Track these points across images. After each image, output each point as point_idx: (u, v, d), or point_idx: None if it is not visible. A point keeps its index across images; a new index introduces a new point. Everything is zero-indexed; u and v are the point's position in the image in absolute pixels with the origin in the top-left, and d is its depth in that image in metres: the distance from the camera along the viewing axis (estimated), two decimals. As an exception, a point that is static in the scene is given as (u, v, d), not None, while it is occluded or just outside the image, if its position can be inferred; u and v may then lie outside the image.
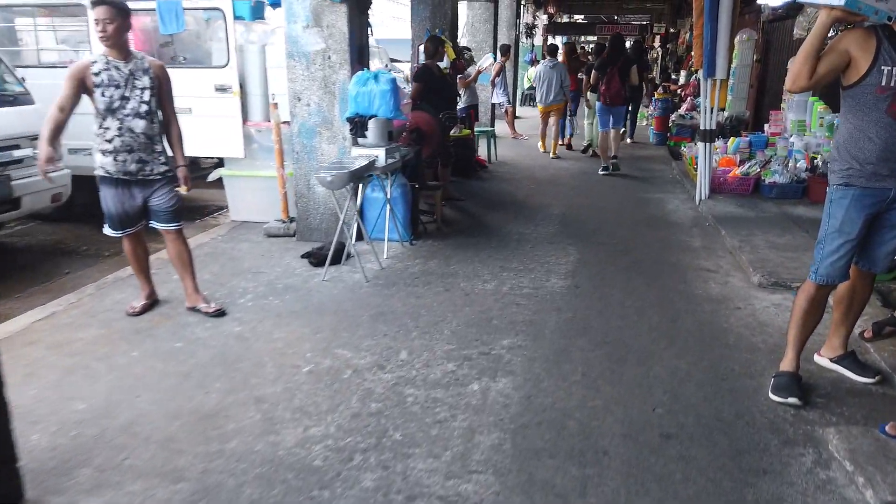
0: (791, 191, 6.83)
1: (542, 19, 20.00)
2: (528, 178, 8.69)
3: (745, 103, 11.25)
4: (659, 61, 21.93)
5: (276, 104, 5.68)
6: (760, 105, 11.36)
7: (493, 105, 12.67)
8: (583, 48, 23.28)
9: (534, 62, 16.54)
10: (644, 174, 8.96)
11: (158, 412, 2.96)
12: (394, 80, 5.05)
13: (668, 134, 11.49)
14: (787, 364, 3.15)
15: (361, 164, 4.69)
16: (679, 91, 15.97)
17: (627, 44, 11.43)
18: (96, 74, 3.65)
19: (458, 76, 9.78)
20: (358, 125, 5.04)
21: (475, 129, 9.83)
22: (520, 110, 17.26)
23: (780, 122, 8.56)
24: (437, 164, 7.12)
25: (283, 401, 3.06)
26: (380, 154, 5.01)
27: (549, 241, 5.70)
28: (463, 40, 12.96)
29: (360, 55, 5.49)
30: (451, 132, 8.62)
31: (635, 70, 9.49)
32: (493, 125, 12.65)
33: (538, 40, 20.04)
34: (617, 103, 9.05)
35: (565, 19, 30.45)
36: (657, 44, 22.93)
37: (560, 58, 10.93)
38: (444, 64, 8.66)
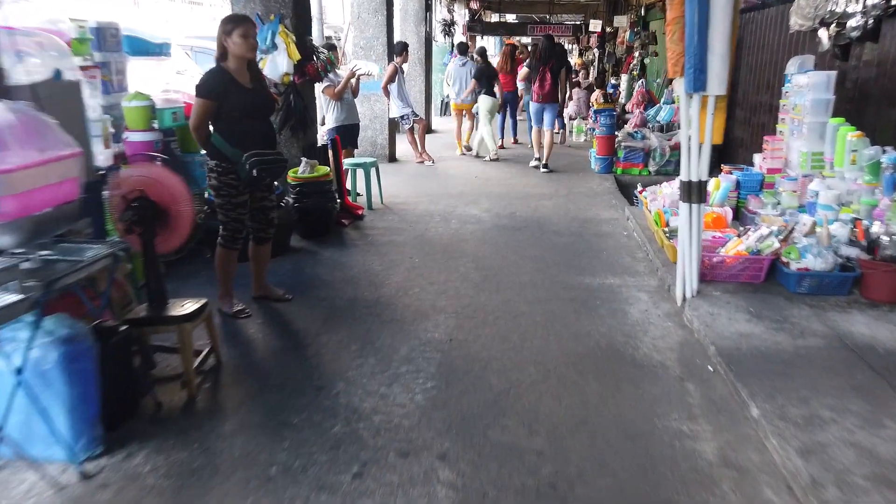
0: (832, 283, 3.97)
1: (462, 15, 16.99)
2: (415, 241, 5.62)
3: (711, 118, 8.51)
4: (596, 64, 19.31)
5: None
6: (729, 119, 8.65)
7: (393, 121, 9.60)
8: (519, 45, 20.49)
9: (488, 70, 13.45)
10: (586, 230, 6.01)
11: None
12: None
13: (615, 158, 8.65)
14: None
15: None
16: (617, 96, 13.18)
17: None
18: None
19: (325, 86, 6.71)
20: None
21: (347, 163, 6.73)
22: (439, 122, 14.23)
23: (779, 153, 5.77)
24: (244, 242, 4.00)
25: None
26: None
27: (401, 447, 2.63)
28: (349, 37, 9.82)
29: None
30: (301, 172, 5.53)
31: (564, 72, 8.96)
32: (391, 149, 9.60)
33: (459, 39, 17.03)
34: (549, 101, 8.80)
35: (495, 18, 27.80)
36: (593, 44, 20.31)
37: (476, 57, 10.60)
38: (283, 69, 5.58)
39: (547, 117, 8.81)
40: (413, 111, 9.43)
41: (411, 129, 9.52)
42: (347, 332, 3.73)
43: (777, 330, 3.55)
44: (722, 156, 8.49)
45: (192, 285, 4.43)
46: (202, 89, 3.72)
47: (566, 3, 21.06)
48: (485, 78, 9.79)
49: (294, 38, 5.66)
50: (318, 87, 6.71)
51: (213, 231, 3.98)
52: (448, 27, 15.47)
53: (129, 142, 4.72)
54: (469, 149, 10.39)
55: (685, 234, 3.99)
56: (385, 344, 3.55)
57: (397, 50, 9.03)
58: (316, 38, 10.31)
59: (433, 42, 13.96)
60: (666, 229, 4.89)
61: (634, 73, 14.91)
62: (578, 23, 26.41)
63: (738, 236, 4.38)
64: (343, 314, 3.99)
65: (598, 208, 6.81)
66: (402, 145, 10.00)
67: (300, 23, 5.90)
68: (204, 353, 3.29)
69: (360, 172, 6.84)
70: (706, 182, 3.96)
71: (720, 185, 5.37)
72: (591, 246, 5.44)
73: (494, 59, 11.96)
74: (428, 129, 12.76)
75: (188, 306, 3.08)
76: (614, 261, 5.04)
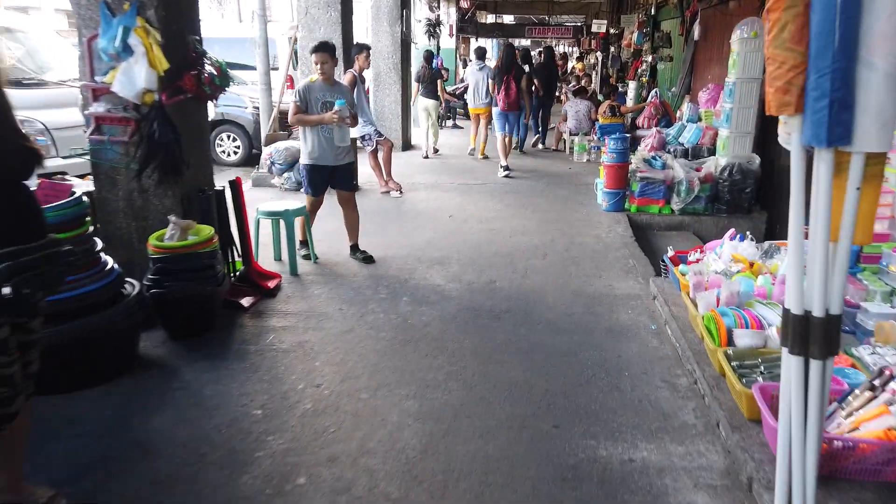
0: None
1: (448, 14, 15.02)
2: (337, 343, 3.67)
3: (751, 141, 6.61)
4: (599, 69, 17.37)
5: None
6: (769, 142, 6.71)
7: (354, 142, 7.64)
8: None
9: (437, 71, 11.60)
10: (595, 321, 4.07)
11: None
12: None
13: (628, 192, 6.71)
14: None
15: None
16: (623, 113, 11.16)
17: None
18: None
19: (293, 100, 4.78)
20: None
21: (262, 212, 4.82)
22: (421, 136, 12.19)
23: (884, 209, 3.82)
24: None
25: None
26: None
27: None
28: (297, 39, 7.88)
29: None
30: (168, 238, 3.64)
31: (525, 79, 9.28)
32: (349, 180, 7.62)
33: (447, 42, 15.09)
34: (514, 109, 8.93)
35: (490, 19, 25.95)
36: (596, 46, 18.37)
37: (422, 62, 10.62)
38: (142, 83, 3.71)
39: (510, 123, 8.99)
40: (376, 130, 7.49)
41: (374, 153, 7.58)
42: None
43: None
44: (762, 198, 6.56)
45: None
46: None
47: (566, 2, 19.10)
48: (426, 81, 10.37)
49: (159, 37, 3.72)
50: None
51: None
52: (433, 28, 13.50)
53: None
54: (486, 157, 10.12)
55: (794, 412, 2.05)
56: None
57: (354, 53, 7.10)
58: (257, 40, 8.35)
59: (413, 44, 12.02)
60: (730, 352, 2.94)
61: (644, 79, 12.98)
62: (579, 24, 24.54)
63: (873, 390, 2.43)
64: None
65: (610, 274, 4.85)
66: (367, 168, 8.03)
67: (175, 16, 3.96)
68: None
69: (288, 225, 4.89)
70: (839, 318, 2.01)
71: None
72: (604, 357, 3.49)
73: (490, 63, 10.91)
74: (406, 146, 10.85)
75: None
76: (643, 396, 3.09)
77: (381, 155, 7.62)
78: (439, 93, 11.02)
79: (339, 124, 4.73)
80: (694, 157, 7.12)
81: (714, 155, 6.88)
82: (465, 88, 14.56)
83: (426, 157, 10.08)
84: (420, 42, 13.43)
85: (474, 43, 26.67)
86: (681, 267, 3.99)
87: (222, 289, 3.87)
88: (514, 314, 4.09)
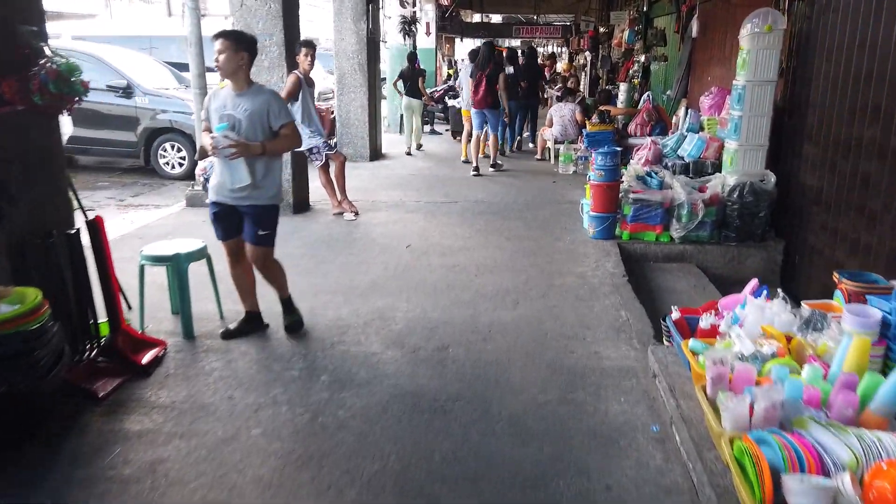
0: None
1: (426, 12, 13.86)
2: (204, 469, 2.55)
3: (764, 155, 5.53)
4: (588, 70, 16.27)
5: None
6: (785, 156, 5.62)
7: (303, 156, 6.54)
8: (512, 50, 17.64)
9: (412, 72, 10.53)
10: (577, 418, 2.95)
11: None
12: None
13: (619, 213, 5.61)
14: None
15: None
16: (612, 116, 10.08)
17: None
18: None
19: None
20: None
21: (145, 256, 3.69)
22: (395, 142, 11.07)
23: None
24: None
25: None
26: None
27: None
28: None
29: None
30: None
31: (503, 77, 8.55)
32: (297, 195, 6.59)
33: (424, 41, 13.94)
34: (484, 107, 8.51)
35: (477, 18, 24.88)
36: (585, 45, 17.29)
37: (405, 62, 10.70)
38: None
39: (490, 122, 8.71)
40: (325, 142, 6.35)
41: (325, 167, 6.46)
42: None
43: None
44: (778, 224, 5.47)
45: None
46: None
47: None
48: (410, 81, 10.38)
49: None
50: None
51: None
52: (407, 26, 12.36)
53: None
54: (468, 161, 9.34)
55: None
56: None
57: (299, 48, 5.97)
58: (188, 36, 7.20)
59: (382, 43, 10.89)
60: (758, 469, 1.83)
61: (635, 81, 11.91)
62: (569, 23, 23.52)
63: None
64: None
65: (596, 334, 3.74)
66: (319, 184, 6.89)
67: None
68: None
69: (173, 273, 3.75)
70: None
71: (866, 353, 2.30)
72: (585, 489, 2.37)
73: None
74: (374, 155, 9.74)
75: None
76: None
77: (333, 170, 6.51)
78: (420, 90, 10.69)
79: (216, 156, 3.41)
80: (696, 173, 6.03)
81: (720, 171, 5.80)
82: (445, 91, 13.50)
83: (409, 153, 10.21)
84: (391, 41, 12.31)
85: (459, 43, 25.58)
86: (691, 343, 2.88)
87: (53, 379, 2.73)
88: (466, 404, 2.99)
